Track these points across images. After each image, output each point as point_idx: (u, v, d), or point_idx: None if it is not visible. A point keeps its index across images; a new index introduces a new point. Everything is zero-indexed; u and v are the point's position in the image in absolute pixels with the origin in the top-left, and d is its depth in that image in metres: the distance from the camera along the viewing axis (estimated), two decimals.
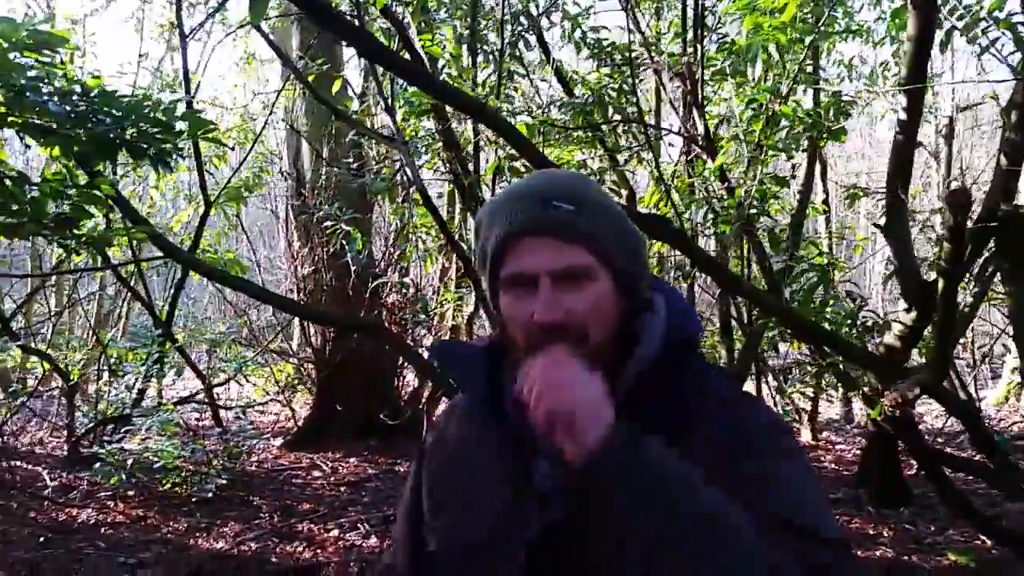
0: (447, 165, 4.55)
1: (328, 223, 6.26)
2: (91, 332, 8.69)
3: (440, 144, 4.65)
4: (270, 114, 7.28)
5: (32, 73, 3.44)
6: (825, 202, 8.52)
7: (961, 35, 4.25)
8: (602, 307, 1.03)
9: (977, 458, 4.64)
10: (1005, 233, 3.01)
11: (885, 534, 5.04)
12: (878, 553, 4.69)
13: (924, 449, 4.35)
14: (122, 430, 6.50)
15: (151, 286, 7.33)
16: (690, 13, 4.92)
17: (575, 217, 1.03)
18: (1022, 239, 3.00)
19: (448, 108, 4.04)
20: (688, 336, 1.09)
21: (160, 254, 6.30)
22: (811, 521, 0.96)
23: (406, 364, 8.47)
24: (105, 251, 6.30)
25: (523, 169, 3.82)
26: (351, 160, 7.14)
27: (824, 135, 4.86)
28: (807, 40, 3.73)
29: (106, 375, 7.22)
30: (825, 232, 8.64)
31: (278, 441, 7.83)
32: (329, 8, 2.54)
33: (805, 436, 7.63)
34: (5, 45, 3.25)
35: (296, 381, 8.63)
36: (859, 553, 4.70)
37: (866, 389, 4.65)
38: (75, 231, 3.88)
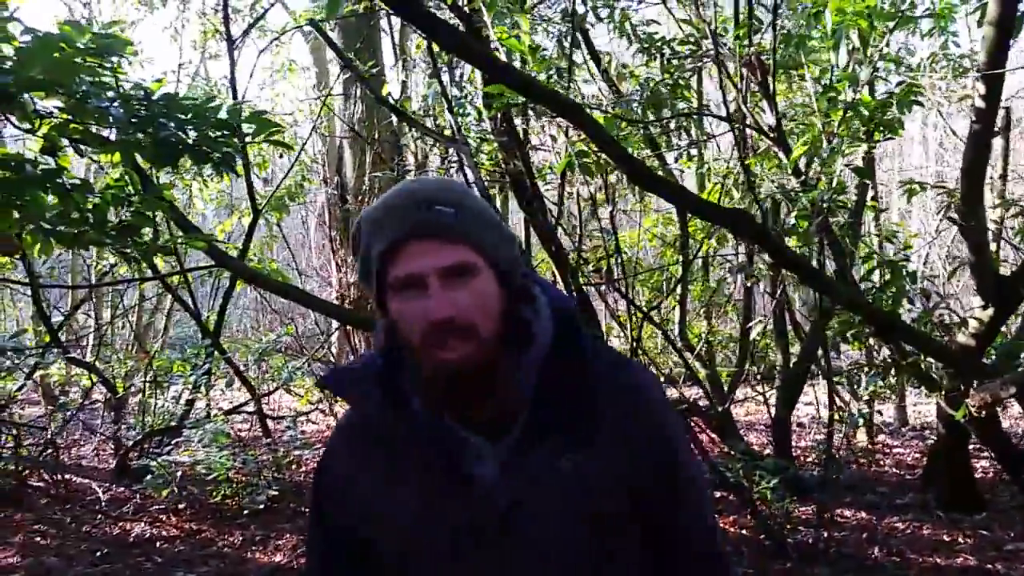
0: (504, 165, 4.45)
1: None
2: (134, 344, 8.67)
3: (495, 144, 4.55)
4: (317, 119, 7.23)
5: (92, 79, 3.39)
6: (874, 198, 8.33)
7: None
8: (487, 300, 1.09)
9: None
10: None
11: (961, 540, 4.85)
12: (959, 561, 4.50)
13: (1011, 451, 4.18)
14: (172, 442, 6.46)
15: (194, 296, 7.28)
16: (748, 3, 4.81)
17: (455, 219, 1.09)
18: None
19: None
20: (572, 310, 1.20)
21: (207, 263, 6.30)
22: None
23: None
24: (153, 261, 6.30)
25: (593, 166, 3.72)
26: (395, 165, 7.07)
27: (882, 127, 4.71)
28: (890, 25, 3.59)
29: (153, 387, 7.17)
30: (875, 229, 8.45)
31: (317, 451, 7.76)
32: (418, 2, 2.44)
33: (861, 438, 7.43)
34: (70, 50, 3.19)
35: None
36: (937, 561, 4.54)
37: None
38: (136, 239, 3.81)
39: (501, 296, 1.12)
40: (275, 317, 14.83)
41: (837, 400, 6.17)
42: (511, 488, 1.11)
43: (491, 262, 1.11)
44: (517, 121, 4.40)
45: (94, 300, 8.79)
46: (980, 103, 4.18)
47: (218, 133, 3.50)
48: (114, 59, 3.36)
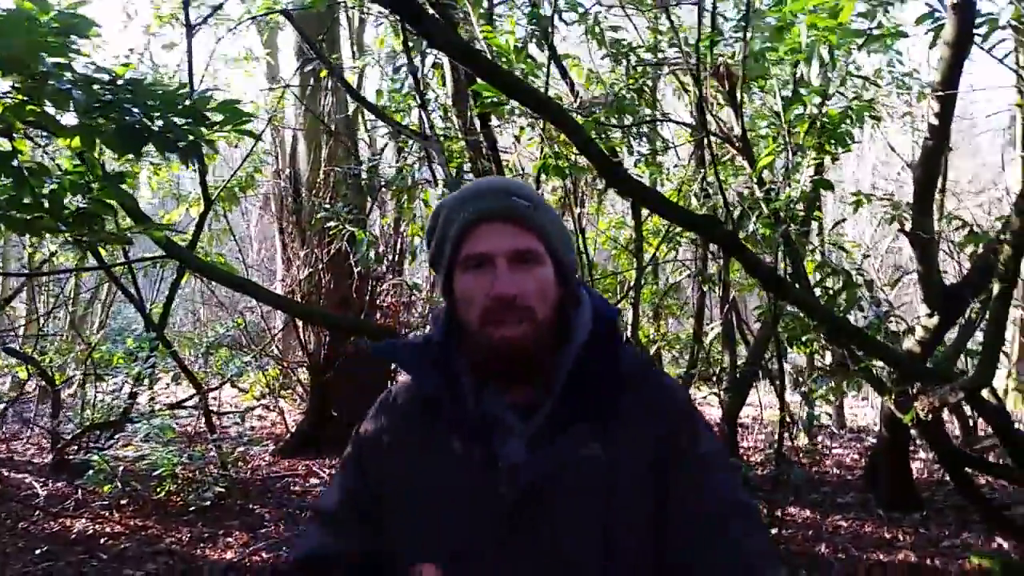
0: (472, 164, 4.45)
1: (331, 224, 6.09)
2: (71, 335, 8.38)
3: (461, 143, 4.55)
4: (275, 110, 7.09)
5: (55, 60, 3.26)
6: (819, 208, 8.58)
7: (982, 42, 4.27)
8: (546, 288, 1.19)
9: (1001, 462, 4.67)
10: None
11: (902, 538, 5.04)
12: (900, 557, 4.68)
13: (952, 451, 4.36)
14: (113, 436, 6.27)
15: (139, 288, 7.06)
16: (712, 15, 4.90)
17: (530, 210, 1.20)
18: None
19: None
20: (613, 316, 1.28)
21: (152, 254, 6.12)
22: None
23: (398, 370, 8.33)
24: (97, 250, 6.09)
25: (565, 169, 3.75)
26: (350, 160, 6.99)
27: (832, 140, 4.86)
28: (858, 42, 3.71)
29: (93, 380, 6.94)
30: (818, 239, 8.71)
31: (266, 447, 7.62)
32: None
33: (802, 440, 7.65)
34: (35, 29, 3.07)
35: (283, 386, 8.42)
36: (880, 557, 4.71)
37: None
38: (94, 228, 3.68)
39: (557, 289, 1.21)
40: (214, 310, 14.53)
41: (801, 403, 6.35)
42: (535, 467, 1.15)
43: (554, 256, 1.21)
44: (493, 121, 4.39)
45: (34, 289, 8.46)
46: (934, 120, 4.34)
47: (185, 121, 3.41)
48: (83, 40, 3.26)
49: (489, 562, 1.15)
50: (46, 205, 3.57)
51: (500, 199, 1.20)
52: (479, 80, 3.24)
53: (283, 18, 7.31)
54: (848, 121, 4.75)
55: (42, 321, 7.72)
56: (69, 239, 4.02)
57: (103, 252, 7.27)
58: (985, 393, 4.08)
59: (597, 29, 4.55)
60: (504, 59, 3.66)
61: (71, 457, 6.48)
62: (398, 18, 4.19)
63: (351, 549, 1.26)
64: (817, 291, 4.84)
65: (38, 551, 4.75)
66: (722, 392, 6.45)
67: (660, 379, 1.31)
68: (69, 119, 3.42)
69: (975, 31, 4.11)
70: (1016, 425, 4.91)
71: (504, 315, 1.15)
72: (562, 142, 3.72)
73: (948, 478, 5.09)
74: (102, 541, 4.98)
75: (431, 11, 3.55)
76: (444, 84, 5.55)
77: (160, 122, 3.49)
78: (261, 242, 20.66)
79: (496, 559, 1.15)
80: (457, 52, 2.47)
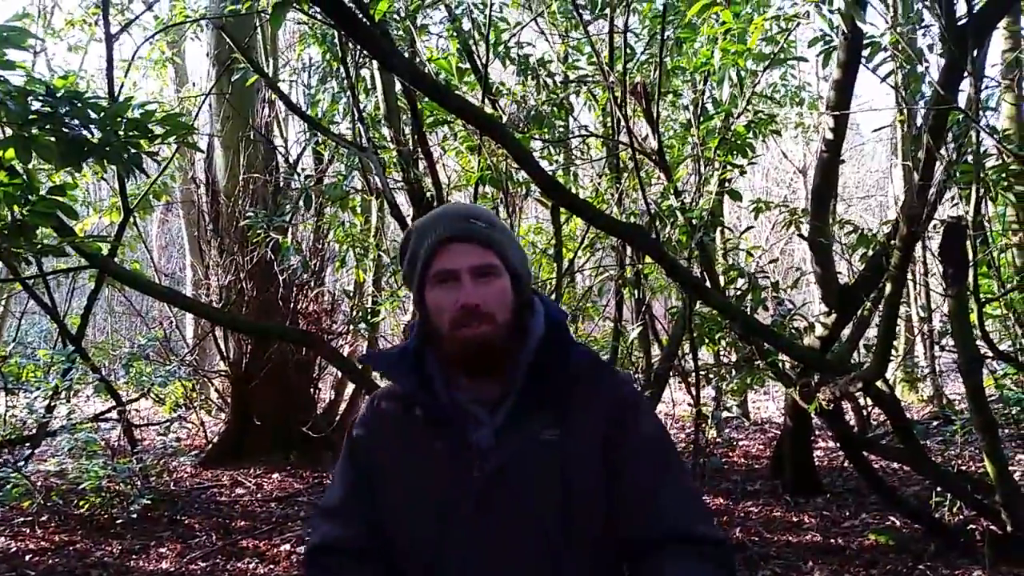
0: (403, 174, 4.60)
1: (253, 231, 6.11)
2: None
3: (395, 153, 4.70)
4: (195, 117, 7.03)
5: None
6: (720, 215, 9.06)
7: (867, 63, 4.71)
8: (505, 297, 1.39)
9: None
10: (947, 239, 3.40)
11: (807, 520, 5.45)
12: (807, 538, 5.08)
13: (851, 437, 4.78)
14: (29, 451, 6.09)
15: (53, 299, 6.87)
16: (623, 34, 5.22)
17: (488, 230, 1.41)
18: (961, 245, 3.40)
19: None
20: (562, 319, 1.47)
21: (69, 264, 6.00)
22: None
23: (321, 376, 8.37)
24: (11, 262, 5.93)
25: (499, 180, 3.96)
26: (269, 167, 7.01)
27: (734, 151, 5.26)
28: (762, 66, 4.06)
29: (3, 393, 6.72)
30: (721, 242, 9.19)
31: (187, 459, 7.52)
32: (356, 18, 2.59)
33: (711, 433, 8.08)
34: None
35: (204, 397, 8.32)
36: (789, 539, 5.09)
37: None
38: (31, 239, 3.66)
39: (514, 297, 1.42)
40: (120, 319, 14.09)
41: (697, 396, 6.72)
42: (502, 452, 1.35)
43: (510, 269, 1.42)
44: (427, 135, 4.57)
45: None
46: (828, 135, 4.76)
47: (131, 133, 3.45)
48: (19, 50, 3.26)
49: (465, 535, 1.34)
50: None
51: (462, 222, 1.40)
52: (426, 99, 3.41)
53: (193, 25, 7.28)
54: (752, 135, 5.16)
55: None
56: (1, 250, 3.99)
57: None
58: (879, 384, 4.48)
59: (503, 49, 4.80)
60: (444, 76, 3.83)
61: None
62: (334, 33, 4.31)
63: (358, 535, 1.43)
64: (729, 293, 5.22)
65: None
66: (642, 389, 6.78)
67: (608, 372, 1.52)
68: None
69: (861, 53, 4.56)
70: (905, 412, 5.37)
71: (470, 321, 1.34)
72: (501, 155, 3.93)
73: (847, 464, 5.53)
74: (27, 558, 4.89)
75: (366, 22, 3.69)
76: (369, 96, 5.69)
77: (99, 134, 3.52)
78: (163, 248, 20.10)
79: (471, 532, 1.34)
80: (414, 78, 2.64)
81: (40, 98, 3.36)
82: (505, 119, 4.42)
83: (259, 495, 6.56)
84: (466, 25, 5.30)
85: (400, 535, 1.40)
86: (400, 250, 1.51)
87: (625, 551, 1.36)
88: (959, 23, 3.38)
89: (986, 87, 4.34)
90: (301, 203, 6.15)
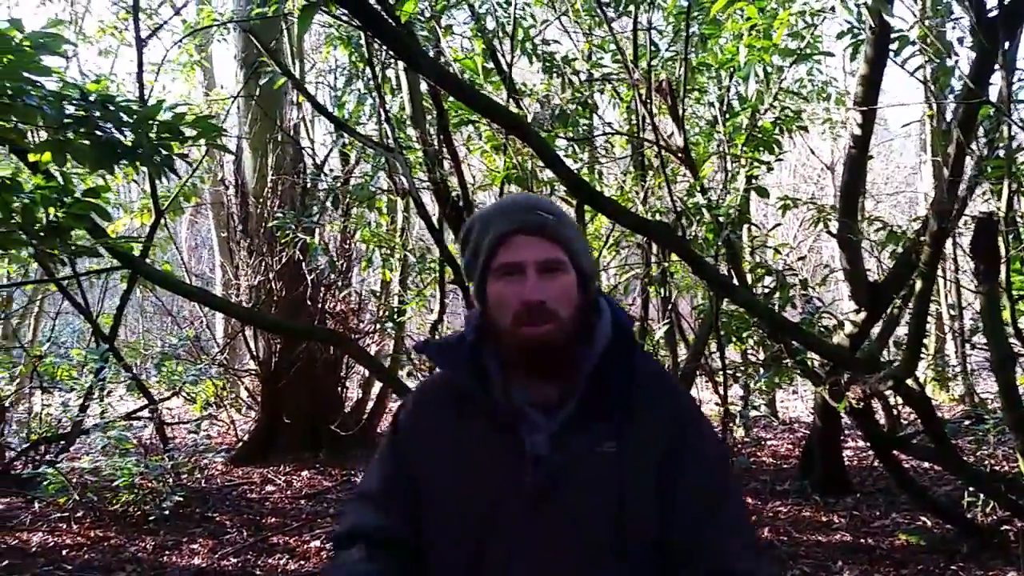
0: (429, 174, 4.63)
1: (282, 232, 6.18)
2: (12, 347, 8.22)
3: (421, 153, 4.73)
4: (224, 119, 7.13)
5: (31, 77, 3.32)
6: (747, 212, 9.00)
7: (895, 57, 4.66)
8: (570, 294, 1.32)
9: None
10: (979, 235, 3.36)
11: (836, 520, 5.41)
12: (836, 538, 5.04)
13: (882, 436, 4.73)
14: (68, 448, 6.22)
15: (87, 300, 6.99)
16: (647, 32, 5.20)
17: (556, 224, 1.33)
18: (993, 241, 3.35)
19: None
20: (629, 325, 1.41)
21: (100, 265, 6.10)
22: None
23: (348, 375, 8.44)
24: (47, 263, 6.04)
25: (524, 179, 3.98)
26: (298, 170, 7.08)
27: (761, 148, 5.22)
28: (788, 61, 4.04)
29: (40, 393, 6.86)
30: (748, 239, 9.13)
31: (218, 456, 7.62)
32: (383, 19, 2.61)
33: (739, 433, 8.04)
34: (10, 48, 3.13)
35: (233, 395, 8.43)
36: (818, 538, 5.06)
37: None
38: (67, 241, 3.73)
39: (579, 295, 1.35)
40: (151, 319, 14.28)
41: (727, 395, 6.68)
42: (556, 461, 1.29)
43: (577, 266, 1.34)
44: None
45: None
46: (856, 131, 4.72)
47: (163, 135, 3.51)
48: (56, 57, 3.32)
49: (508, 541, 1.28)
50: (17, 219, 3.62)
51: (530, 214, 1.33)
52: (452, 99, 3.43)
53: (221, 29, 7.36)
54: (779, 131, 5.13)
55: None
56: (34, 252, 4.07)
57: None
58: (909, 382, 4.43)
59: (529, 45, 4.80)
60: (469, 75, 3.86)
61: (19, 472, 6.40)
62: (362, 36, 4.35)
63: (391, 524, 1.38)
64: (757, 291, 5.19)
65: None
66: None
67: (671, 385, 1.45)
68: (43, 134, 3.49)
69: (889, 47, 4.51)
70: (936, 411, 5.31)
71: (533, 318, 1.28)
72: (526, 154, 3.95)
73: (876, 463, 5.48)
74: (64, 553, 4.98)
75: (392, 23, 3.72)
76: (394, 96, 5.73)
77: (132, 137, 3.59)
78: (193, 249, 20.36)
79: (516, 539, 1.27)
80: (441, 79, 2.67)
81: (74, 102, 3.44)
82: (530, 118, 4.43)
83: (289, 492, 6.63)
84: (490, 24, 5.34)
85: (438, 533, 1.35)
86: (462, 239, 1.45)
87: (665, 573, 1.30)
88: (989, 15, 3.34)
89: (1018, 80, 4.27)
90: (329, 204, 6.20)
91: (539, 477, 1.28)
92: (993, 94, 3.67)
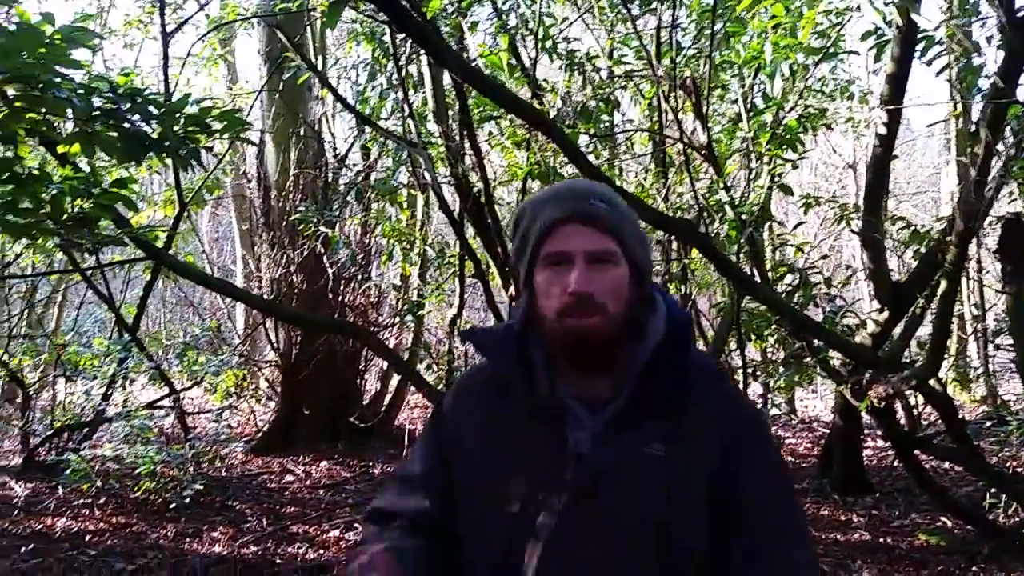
0: (452, 169, 4.65)
1: (304, 225, 6.23)
2: (38, 336, 8.34)
3: (443, 148, 4.75)
4: (248, 113, 7.19)
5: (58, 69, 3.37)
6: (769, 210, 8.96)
7: (920, 57, 4.62)
8: (620, 288, 1.25)
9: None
10: (1005, 236, 3.33)
11: (856, 519, 5.39)
12: (855, 536, 5.02)
13: (903, 435, 4.71)
14: (91, 436, 6.31)
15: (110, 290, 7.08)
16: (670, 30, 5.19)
17: (609, 213, 1.26)
18: (1019, 241, 3.33)
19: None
20: (686, 321, 1.33)
21: (123, 256, 6.18)
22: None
23: (367, 368, 8.49)
24: (71, 253, 6.12)
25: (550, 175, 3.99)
26: (320, 164, 7.13)
27: (784, 145, 5.20)
28: (814, 60, 4.02)
29: (63, 381, 6.95)
30: (769, 239, 9.09)
31: (238, 446, 7.70)
32: (409, 14, 2.63)
33: None
34: (43, 41, 3.18)
35: (254, 386, 8.51)
36: (837, 537, 5.04)
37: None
38: (94, 231, 3.79)
39: (631, 289, 1.27)
40: (172, 310, 14.41)
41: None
42: (600, 460, 1.22)
43: (629, 258, 1.27)
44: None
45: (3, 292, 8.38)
46: (882, 130, 4.68)
47: (185, 128, 3.54)
48: (86, 49, 3.37)
49: (544, 541, 1.22)
50: (46, 210, 3.67)
51: (581, 202, 1.26)
52: (475, 94, 3.45)
53: (244, 23, 7.41)
54: (803, 129, 5.10)
55: (14, 325, 7.67)
56: (62, 241, 4.13)
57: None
58: (931, 382, 4.40)
59: (550, 43, 4.80)
60: (493, 71, 3.87)
61: (42, 458, 6.50)
62: (385, 32, 4.38)
63: (431, 509, 1.36)
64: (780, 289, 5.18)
65: (23, 549, 4.81)
66: None
67: (729, 389, 1.37)
68: (70, 126, 3.54)
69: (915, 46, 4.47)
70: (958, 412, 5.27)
71: (579, 309, 1.22)
72: (550, 149, 3.96)
73: (896, 463, 5.45)
74: (87, 538, 5.05)
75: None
76: (417, 91, 5.75)
77: (158, 130, 3.63)
78: (214, 241, 20.51)
79: (552, 539, 1.21)
80: (467, 74, 2.68)
81: (103, 95, 3.48)
82: (552, 115, 4.43)
83: (308, 482, 6.68)
84: (512, 21, 5.35)
85: (472, 524, 1.31)
86: (512, 225, 1.38)
87: None
88: (1019, 14, 3.31)
89: None
90: (350, 198, 6.23)
91: (580, 475, 1.23)
92: (1021, 94, 3.65)
